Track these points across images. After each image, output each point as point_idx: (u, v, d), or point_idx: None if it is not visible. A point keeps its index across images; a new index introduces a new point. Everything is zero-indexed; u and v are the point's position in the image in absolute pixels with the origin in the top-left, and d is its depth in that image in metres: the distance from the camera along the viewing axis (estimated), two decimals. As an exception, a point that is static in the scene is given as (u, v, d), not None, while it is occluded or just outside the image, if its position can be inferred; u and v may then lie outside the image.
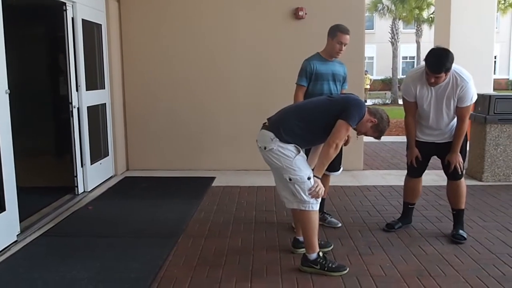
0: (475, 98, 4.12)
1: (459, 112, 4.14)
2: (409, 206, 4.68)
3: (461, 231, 4.35)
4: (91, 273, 3.64)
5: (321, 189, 3.55)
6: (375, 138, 3.76)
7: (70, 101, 5.74)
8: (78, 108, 5.83)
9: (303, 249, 3.82)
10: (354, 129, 3.64)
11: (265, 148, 3.56)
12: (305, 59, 4.47)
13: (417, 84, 4.19)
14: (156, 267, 3.71)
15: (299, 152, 3.53)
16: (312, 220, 3.60)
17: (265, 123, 3.71)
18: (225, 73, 7.21)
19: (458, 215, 4.45)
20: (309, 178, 3.52)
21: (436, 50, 4.03)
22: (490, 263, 3.80)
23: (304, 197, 3.52)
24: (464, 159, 4.34)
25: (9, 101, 4.27)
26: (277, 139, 3.51)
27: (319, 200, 3.61)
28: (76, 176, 5.88)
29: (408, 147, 4.46)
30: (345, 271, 3.62)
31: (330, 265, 3.62)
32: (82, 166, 5.95)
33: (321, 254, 3.67)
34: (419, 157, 4.42)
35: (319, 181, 3.53)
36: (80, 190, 5.93)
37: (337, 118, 3.48)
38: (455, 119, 4.24)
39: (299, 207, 3.58)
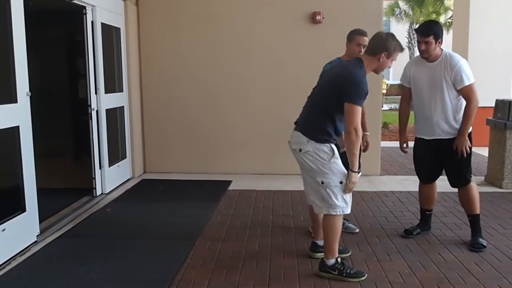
0: (473, 79, 4.08)
1: (462, 93, 4.09)
2: (426, 212, 4.64)
3: (480, 239, 4.28)
4: (109, 274, 3.66)
5: (354, 184, 3.50)
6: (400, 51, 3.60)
7: (89, 103, 5.79)
8: (97, 111, 5.88)
9: (322, 253, 3.80)
10: (376, 71, 3.61)
11: (300, 150, 3.55)
12: (327, 63, 4.43)
13: (412, 65, 4.37)
14: (174, 270, 3.72)
15: (334, 154, 3.50)
16: (336, 226, 3.59)
17: (296, 124, 3.70)
18: (242, 76, 7.22)
19: (474, 221, 4.38)
20: (341, 182, 3.50)
21: (425, 21, 4.20)
22: (511, 271, 3.74)
23: (335, 201, 3.51)
24: (469, 162, 4.25)
25: (30, 103, 4.32)
26: (313, 141, 3.49)
27: (350, 204, 3.59)
28: (95, 178, 5.92)
29: (399, 134, 4.59)
30: (364, 277, 3.60)
31: (348, 270, 3.60)
32: (100, 168, 5.99)
33: (339, 259, 3.65)
34: (407, 144, 4.51)
35: (353, 175, 3.48)
36: (98, 192, 5.97)
37: (340, 98, 3.42)
38: (453, 115, 4.17)
39: (329, 212, 3.55)
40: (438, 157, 4.34)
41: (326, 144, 3.49)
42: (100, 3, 5.84)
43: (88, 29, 5.69)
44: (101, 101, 5.93)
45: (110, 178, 6.20)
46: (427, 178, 4.52)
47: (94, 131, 5.85)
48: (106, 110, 6.07)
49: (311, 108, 3.68)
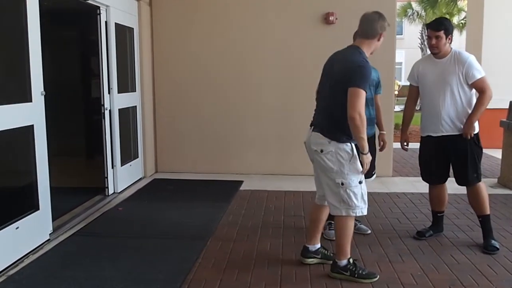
0: (483, 72, 4.12)
1: (475, 86, 4.12)
2: (438, 214, 4.61)
3: (492, 241, 4.24)
4: (121, 273, 3.68)
5: (368, 164, 3.48)
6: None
7: (102, 103, 5.82)
8: (110, 110, 5.91)
9: (313, 259, 3.83)
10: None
11: (321, 151, 3.51)
12: None
13: (420, 64, 4.43)
14: (186, 269, 3.73)
15: (353, 154, 3.48)
16: (349, 227, 3.58)
17: (313, 125, 3.67)
18: (254, 77, 7.22)
19: (484, 222, 4.33)
20: (360, 182, 3.50)
21: (437, 17, 4.27)
22: (525, 274, 3.71)
23: (355, 202, 3.50)
24: (479, 163, 4.22)
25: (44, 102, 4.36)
26: (335, 141, 3.47)
27: (367, 204, 3.58)
28: (107, 177, 5.95)
29: (401, 131, 4.64)
30: (376, 279, 3.58)
31: (360, 272, 3.59)
32: (112, 167, 6.03)
33: (351, 260, 3.63)
34: (407, 141, 4.55)
35: (365, 157, 3.45)
36: (111, 191, 6.01)
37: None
38: (462, 109, 4.15)
39: (349, 213, 3.53)
40: (445, 155, 4.31)
41: (348, 144, 3.47)
42: (114, 3, 5.88)
43: (102, 29, 5.73)
44: (114, 101, 5.96)
45: (122, 177, 6.24)
46: (434, 178, 4.48)
47: (107, 131, 5.88)
48: (119, 109, 6.11)
49: (326, 108, 3.63)
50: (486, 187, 4.33)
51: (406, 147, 4.60)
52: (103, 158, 5.93)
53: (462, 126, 4.17)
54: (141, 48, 6.81)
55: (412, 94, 4.52)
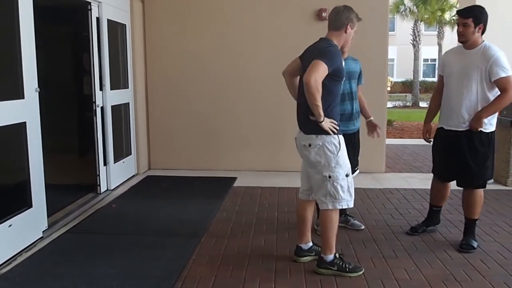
0: (510, 72, 3.89)
1: (498, 84, 3.89)
2: (434, 208, 4.59)
3: (471, 240, 4.14)
4: (115, 270, 3.67)
5: (330, 124, 3.46)
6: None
7: (94, 100, 5.78)
8: (102, 107, 5.89)
9: (306, 258, 3.84)
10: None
11: (310, 145, 3.53)
12: None
13: (448, 53, 4.33)
14: (180, 266, 3.73)
15: (341, 147, 3.52)
16: (334, 220, 3.61)
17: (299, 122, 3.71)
18: (247, 73, 7.21)
19: (469, 225, 4.23)
20: (347, 175, 3.54)
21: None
22: (517, 268, 3.74)
23: (342, 194, 3.53)
24: (488, 167, 4.07)
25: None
26: (322, 135, 3.48)
27: (353, 197, 3.61)
28: (99, 175, 5.91)
29: (424, 121, 4.48)
30: (362, 272, 3.63)
31: (347, 265, 3.62)
32: (105, 164, 6.00)
33: (337, 255, 3.66)
34: (430, 133, 4.40)
35: (323, 124, 3.41)
36: (103, 188, 5.98)
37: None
38: (476, 107, 3.96)
39: (335, 206, 3.56)
40: (454, 152, 4.11)
41: (335, 136, 3.50)
42: (106, -1, 5.86)
43: (93, 25, 5.67)
44: (107, 98, 5.93)
45: (115, 175, 6.22)
46: (440, 174, 4.36)
47: (98, 128, 5.83)
48: (112, 106, 6.08)
49: (301, 103, 3.62)
50: (483, 193, 4.18)
51: (429, 139, 4.41)
52: (95, 156, 5.88)
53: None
54: (133, 44, 6.78)
55: (439, 84, 4.34)
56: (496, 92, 3.96)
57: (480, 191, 4.15)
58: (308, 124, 3.53)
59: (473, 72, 3.96)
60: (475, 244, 4.14)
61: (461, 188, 4.25)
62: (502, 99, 3.92)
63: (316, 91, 3.30)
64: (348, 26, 3.58)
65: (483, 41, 4.03)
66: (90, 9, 5.62)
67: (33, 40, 4.24)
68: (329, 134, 3.47)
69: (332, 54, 3.46)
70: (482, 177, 4.09)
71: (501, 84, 3.89)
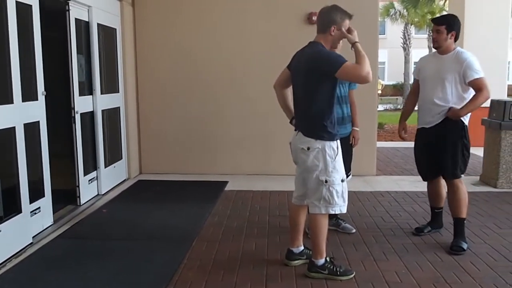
0: (482, 74, 4.12)
1: (472, 85, 4.12)
2: (435, 210, 4.65)
3: (461, 242, 4.19)
4: (106, 276, 3.66)
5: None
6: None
7: (72, 106, 5.42)
8: (92, 112, 5.85)
9: (298, 261, 3.84)
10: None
11: (308, 148, 3.53)
12: None
13: (422, 60, 4.56)
14: (171, 271, 3.72)
15: (338, 152, 3.54)
16: (324, 225, 3.62)
17: (295, 126, 3.72)
18: (238, 77, 7.22)
19: (457, 224, 4.30)
20: (342, 181, 3.55)
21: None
22: (507, 270, 3.76)
23: (336, 199, 3.53)
24: (464, 156, 4.23)
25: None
26: (320, 140, 3.50)
27: (346, 203, 3.62)
28: (79, 186, 5.56)
29: (400, 120, 4.71)
30: (352, 275, 3.64)
31: (338, 269, 3.62)
32: (96, 169, 5.98)
33: (328, 259, 3.67)
34: (405, 129, 4.62)
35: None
36: (83, 200, 5.62)
37: (324, 77, 3.45)
38: (452, 102, 4.18)
39: (328, 210, 3.56)
40: (435, 147, 4.31)
41: (334, 141, 3.53)
42: (96, 3, 5.83)
43: (71, 26, 5.34)
44: (97, 102, 5.91)
45: (106, 179, 6.19)
46: (426, 173, 4.54)
47: (78, 136, 5.49)
48: (102, 111, 6.05)
49: (301, 106, 3.65)
50: (466, 191, 4.30)
51: (404, 135, 4.64)
52: (74, 165, 5.50)
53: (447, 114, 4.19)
54: (124, 48, 6.77)
55: (414, 87, 4.58)
56: (470, 93, 4.18)
57: (462, 188, 4.27)
58: (309, 127, 3.55)
59: (448, 74, 4.18)
60: (465, 246, 4.18)
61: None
62: (478, 98, 4.11)
63: (369, 68, 3.39)
64: (333, 27, 3.54)
65: (456, 47, 4.27)
66: (68, 10, 5.29)
67: (40, 45, 4.54)
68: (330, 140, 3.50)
69: (336, 56, 3.47)
70: (459, 166, 4.24)
71: (476, 84, 4.12)
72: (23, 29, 4.26)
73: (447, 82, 4.17)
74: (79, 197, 5.58)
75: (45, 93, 4.54)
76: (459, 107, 4.17)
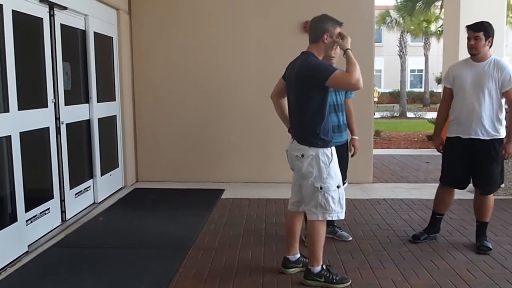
0: None
1: (507, 95, 4.16)
2: (437, 216, 4.65)
3: (486, 242, 4.35)
4: (101, 284, 3.64)
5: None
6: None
7: (57, 116, 5.07)
8: (89, 120, 5.85)
9: (294, 269, 3.84)
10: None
11: (302, 155, 3.55)
12: None
13: (454, 68, 4.46)
14: (167, 279, 3.71)
15: (332, 158, 3.55)
16: (322, 232, 3.62)
17: (292, 134, 3.74)
18: (235, 86, 7.23)
19: (481, 227, 4.44)
20: (338, 187, 3.56)
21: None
22: (503, 278, 3.76)
23: (332, 206, 3.54)
24: (503, 174, 4.32)
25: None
26: (314, 147, 3.51)
27: (344, 209, 3.62)
28: (64, 201, 5.21)
29: (434, 134, 4.64)
30: (349, 283, 3.63)
31: (334, 277, 3.62)
32: (93, 177, 5.96)
33: (324, 266, 3.66)
34: (442, 145, 4.50)
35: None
36: (69, 215, 5.31)
37: (315, 86, 3.46)
38: (496, 114, 4.18)
39: (325, 217, 3.57)
40: (470, 160, 4.29)
41: (328, 148, 3.54)
42: (92, 12, 5.84)
43: (55, 31, 4.99)
44: (94, 110, 5.91)
45: (103, 187, 6.18)
46: (453, 182, 4.49)
47: (63, 148, 5.16)
48: (99, 119, 6.05)
49: (295, 114, 3.68)
50: (493, 197, 4.41)
51: (441, 151, 4.56)
52: (59, 179, 5.11)
53: (493, 133, 4.18)
54: (120, 57, 6.78)
55: (446, 96, 4.50)
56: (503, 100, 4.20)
57: (492, 196, 4.37)
58: (302, 135, 3.58)
59: (490, 82, 4.15)
60: (489, 244, 4.32)
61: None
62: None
63: (359, 75, 3.35)
64: (325, 36, 3.54)
65: (491, 54, 4.27)
66: (53, 15, 4.95)
67: (50, 55, 4.87)
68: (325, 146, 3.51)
69: (326, 65, 3.50)
70: (498, 182, 4.34)
71: (510, 95, 4.15)
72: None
73: (487, 91, 4.15)
74: (64, 212, 5.22)
75: (54, 100, 4.88)
76: (500, 115, 4.18)
